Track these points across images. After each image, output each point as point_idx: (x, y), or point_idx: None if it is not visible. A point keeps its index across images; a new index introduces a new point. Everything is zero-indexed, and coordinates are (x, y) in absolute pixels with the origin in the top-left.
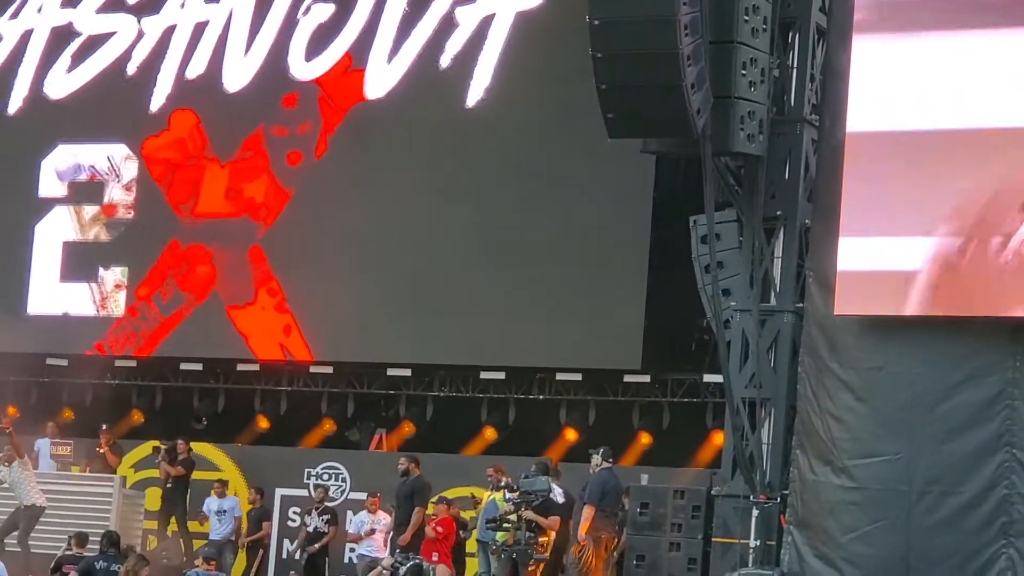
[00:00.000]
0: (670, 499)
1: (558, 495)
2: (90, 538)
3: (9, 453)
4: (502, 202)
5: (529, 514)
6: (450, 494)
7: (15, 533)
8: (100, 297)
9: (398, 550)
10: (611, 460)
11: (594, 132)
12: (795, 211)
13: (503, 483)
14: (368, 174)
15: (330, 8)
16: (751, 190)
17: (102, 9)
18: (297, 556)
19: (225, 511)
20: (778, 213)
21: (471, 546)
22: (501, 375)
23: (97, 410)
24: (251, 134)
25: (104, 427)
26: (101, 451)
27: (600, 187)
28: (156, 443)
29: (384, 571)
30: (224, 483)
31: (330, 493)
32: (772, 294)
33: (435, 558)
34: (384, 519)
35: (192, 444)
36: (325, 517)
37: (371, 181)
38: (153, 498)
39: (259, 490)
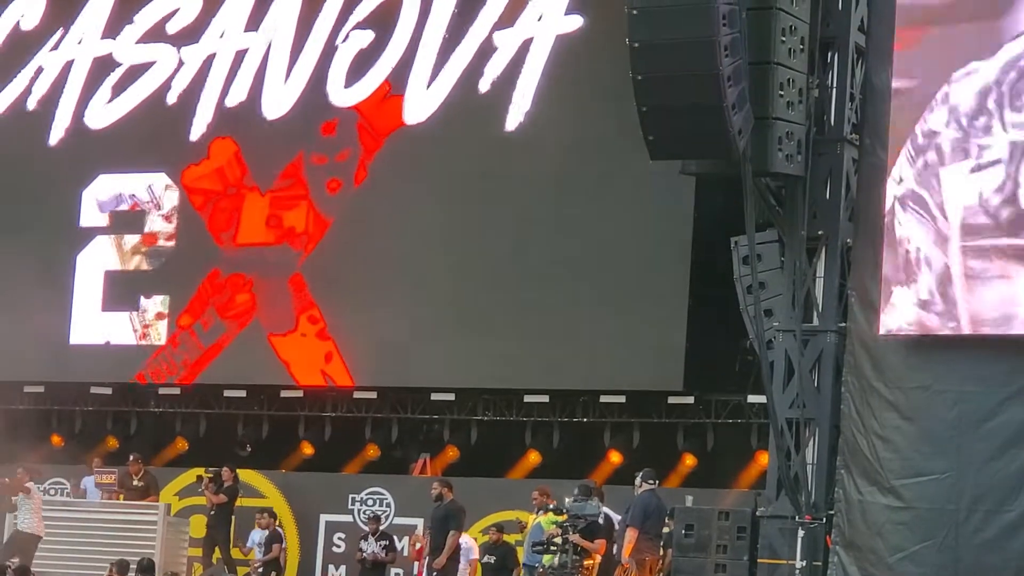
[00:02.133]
0: (715, 520)
1: (601, 518)
2: (131, 566)
3: (15, 485)
4: (543, 225)
5: (576, 538)
6: (495, 518)
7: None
8: (142, 326)
9: (435, 574)
10: (654, 482)
11: (635, 154)
12: (836, 230)
13: (551, 506)
14: (408, 200)
15: (369, 35)
16: (792, 210)
17: (142, 39)
18: None
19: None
20: (819, 233)
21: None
22: (545, 398)
23: (141, 438)
24: (291, 162)
25: (131, 457)
26: (136, 483)
27: (641, 209)
28: (201, 471)
29: None
30: (267, 513)
31: (381, 520)
32: (815, 314)
33: None
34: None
35: (237, 471)
36: (383, 543)
37: (411, 207)
38: (198, 525)
39: (272, 513)
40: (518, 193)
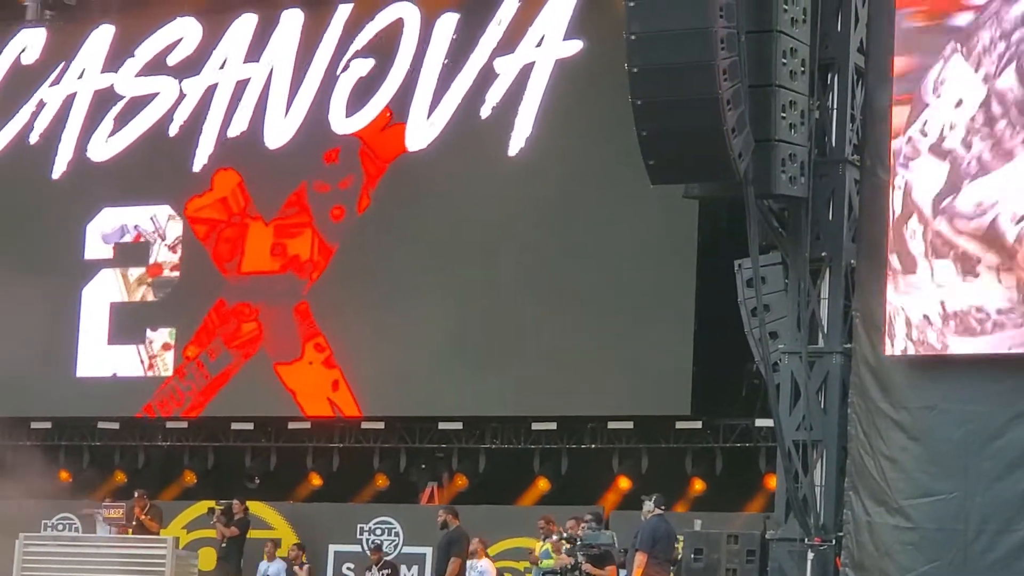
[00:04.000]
0: (724, 544)
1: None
2: None
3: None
4: (547, 250)
5: (588, 567)
6: (504, 546)
7: None
8: (148, 358)
9: None
10: (663, 507)
11: (637, 178)
12: (840, 252)
13: (557, 535)
14: (412, 226)
15: (369, 63)
16: (795, 232)
17: (143, 72)
18: None
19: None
20: (823, 254)
21: None
22: (553, 425)
23: (149, 472)
24: (294, 191)
25: (136, 493)
26: (140, 517)
27: (644, 233)
28: (210, 503)
29: None
30: (275, 543)
31: (384, 548)
32: (820, 335)
33: None
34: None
35: (247, 503)
36: (386, 572)
37: (415, 233)
38: (207, 558)
39: (300, 547)
40: (522, 218)
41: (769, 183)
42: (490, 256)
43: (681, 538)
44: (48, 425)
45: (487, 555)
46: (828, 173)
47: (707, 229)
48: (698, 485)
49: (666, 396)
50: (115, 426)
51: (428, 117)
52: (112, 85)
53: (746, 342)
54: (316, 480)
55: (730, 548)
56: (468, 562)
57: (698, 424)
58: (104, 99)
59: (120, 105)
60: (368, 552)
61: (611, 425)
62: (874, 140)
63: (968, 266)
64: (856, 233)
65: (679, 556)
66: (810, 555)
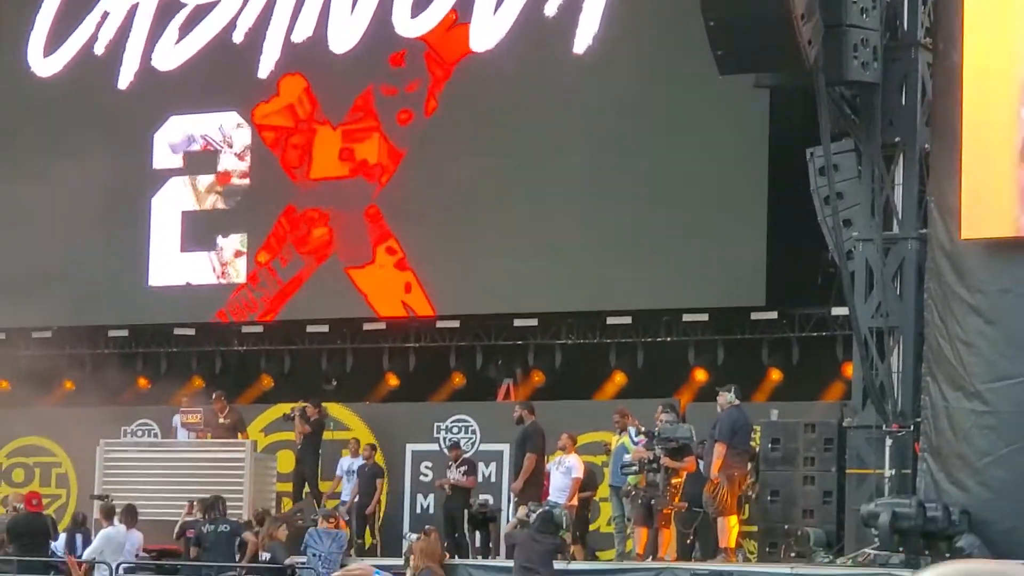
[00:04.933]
0: (801, 433)
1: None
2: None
3: None
4: (618, 146)
5: (667, 460)
6: (581, 440)
7: None
8: (220, 265)
9: (514, 497)
10: (740, 398)
11: (706, 71)
12: (914, 137)
13: (634, 429)
14: (479, 127)
15: None
16: (868, 118)
17: None
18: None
19: (354, 471)
20: (896, 140)
21: (603, 491)
22: (628, 319)
23: (226, 377)
24: (360, 95)
25: (214, 396)
26: (222, 421)
27: (715, 125)
28: (287, 407)
29: (519, 520)
30: (357, 442)
31: (462, 446)
32: (894, 222)
33: None
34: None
35: (323, 405)
36: (463, 468)
37: (483, 134)
38: (285, 461)
39: (372, 447)
40: (591, 115)
41: (840, 69)
42: (560, 154)
43: (758, 428)
44: (125, 333)
45: (575, 451)
46: (900, 57)
47: (778, 118)
48: (774, 375)
49: (741, 287)
50: (191, 332)
51: (493, 16)
52: None
53: (820, 231)
54: (392, 380)
55: (807, 437)
56: (556, 457)
57: (773, 314)
58: (168, 8)
59: (184, 13)
60: (446, 450)
61: (686, 318)
62: (946, 22)
63: None
64: (929, 117)
65: (757, 446)
66: (888, 442)
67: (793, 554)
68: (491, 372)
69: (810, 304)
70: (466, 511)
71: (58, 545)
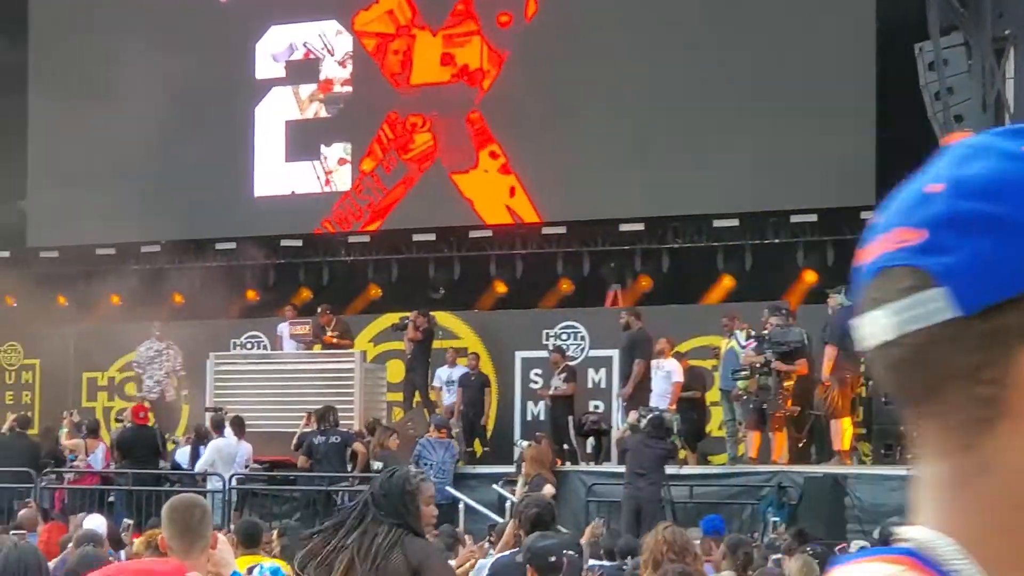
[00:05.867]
0: None
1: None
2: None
3: None
4: (721, 45)
5: (778, 364)
6: (689, 344)
7: None
8: (325, 173)
9: (623, 403)
10: (851, 299)
11: None
12: None
13: (743, 333)
14: (581, 28)
15: None
16: (977, 11)
17: None
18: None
19: (455, 380)
20: (1007, 32)
21: (713, 395)
22: (735, 222)
23: (334, 287)
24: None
25: (320, 309)
26: (333, 337)
27: (821, 21)
28: (395, 317)
29: (629, 425)
30: (457, 351)
31: (569, 352)
32: (1006, 116)
33: None
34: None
35: (431, 313)
36: (563, 375)
37: (584, 35)
38: (395, 371)
39: (475, 355)
40: (693, 12)
41: None
42: (662, 54)
43: None
44: (232, 245)
45: (673, 355)
46: None
47: (886, 13)
48: None
49: (850, 186)
50: (298, 243)
51: None
52: None
53: (930, 127)
54: (500, 287)
55: None
56: (653, 362)
57: None
58: None
59: None
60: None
61: (794, 219)
62: None
63: None
64: None
65: None
66: None
67: (909, 456)
68: (598, 278)
69: None
70: (570, 418)
71: (182, 458)
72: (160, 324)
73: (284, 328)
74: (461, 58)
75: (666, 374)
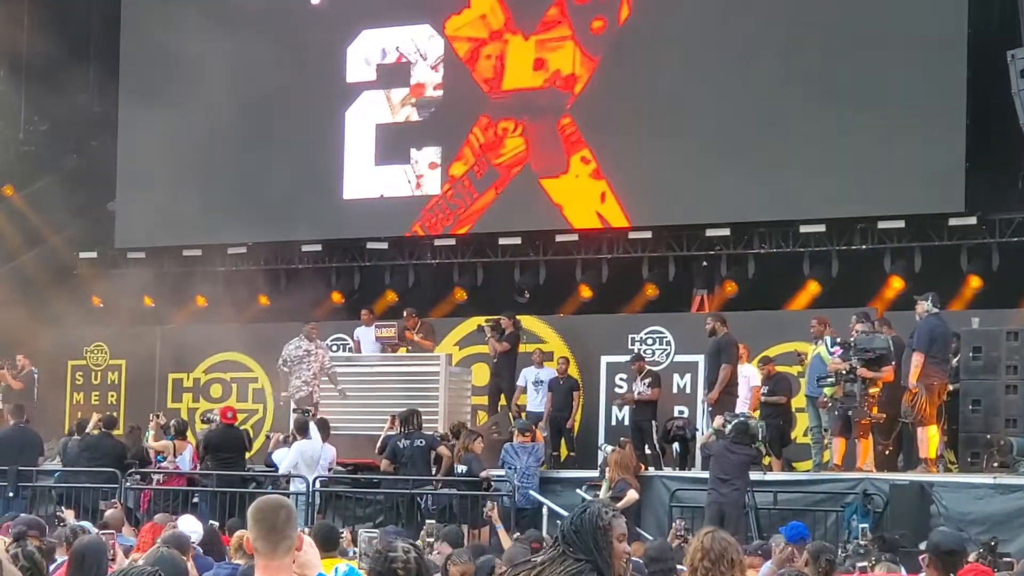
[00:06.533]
0: (1003, 341)
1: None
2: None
3: None
4: (809, 51)
5: (863, 371)
6: (776, 350)
7: None
8: (415, 177)
9: (708, 408)
10: (939, 306)
11: None
12: None
13: (830, 338)
14: (673, 34)
15: None
16: None
17: None
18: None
19: (542, 381)
20: None
21: (798, 401)
22: (822, 227)
23: (420, 290)
24: (553, 4)
25: (406, 312)
26: (417, 337)
27: (912, 27)
28: (480, 320)
29: (714, 430)
30: (543, 353)
31: (655, 357)
32: None
33: None
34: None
35: (517, 317)
36: (647, 381)
37: (677, 41)
38: (480, 374)
39: (565, 360)
40: (783, 19)
41: None
42: (753, 59)
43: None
44: (318, 247)
45: (760, 361)
46: None
47: (978, 20)
48: (974, 282)
49: (938, 193)
50: (384, 246)
51: None
52: None
53: (1021, 134)
54: (586, 292)
55: (1010, 345)
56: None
57: (972, 220)
58: None
59: None
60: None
61: (881, 224)
62: None
63: None
64: None
65: (957, 355)
66: None
67: (996, 464)
68: (683, 283)
69: (1010, 208)
70: (653, 423)
71: (279, 458)
72: (312, 325)
73: (362, 332)
74: (553, 63)
75: (744, 379)
